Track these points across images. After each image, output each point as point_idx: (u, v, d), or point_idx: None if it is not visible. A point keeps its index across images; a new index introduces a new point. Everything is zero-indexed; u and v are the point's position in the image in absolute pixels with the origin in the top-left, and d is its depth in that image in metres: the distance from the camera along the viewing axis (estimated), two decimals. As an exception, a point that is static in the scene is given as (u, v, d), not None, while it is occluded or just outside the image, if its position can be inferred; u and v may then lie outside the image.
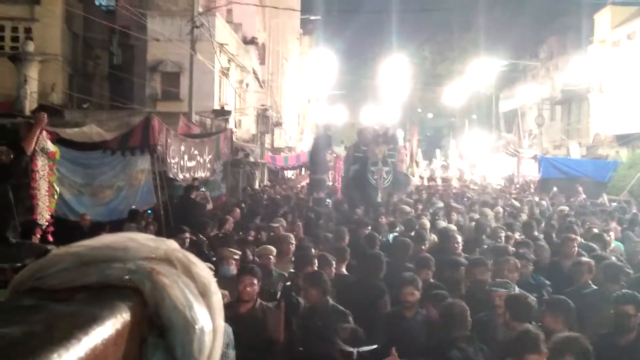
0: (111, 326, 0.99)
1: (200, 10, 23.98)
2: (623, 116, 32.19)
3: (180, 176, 14.36)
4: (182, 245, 8.96)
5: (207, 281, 1.22)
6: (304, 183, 29.15)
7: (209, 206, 15.41)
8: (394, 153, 20.32)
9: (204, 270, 1.24)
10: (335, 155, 27.08)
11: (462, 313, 5.53)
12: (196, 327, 1.13)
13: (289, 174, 39.09)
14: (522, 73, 53.35)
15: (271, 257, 8.18)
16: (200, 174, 15.57)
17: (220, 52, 28.25)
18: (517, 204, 18.32)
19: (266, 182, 33.33)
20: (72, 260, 1.15)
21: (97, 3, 35.51)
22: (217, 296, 1.24)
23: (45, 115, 9.20)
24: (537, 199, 19.71)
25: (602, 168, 25.48)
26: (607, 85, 35.67)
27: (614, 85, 34.52)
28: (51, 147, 9.44)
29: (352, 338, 5.28)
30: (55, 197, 9.86)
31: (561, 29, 46.89)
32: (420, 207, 16.56)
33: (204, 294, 1.20)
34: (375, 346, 5.08)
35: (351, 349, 4.98)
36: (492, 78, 52.92)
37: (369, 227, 11.33)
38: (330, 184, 24.90)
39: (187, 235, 9.90)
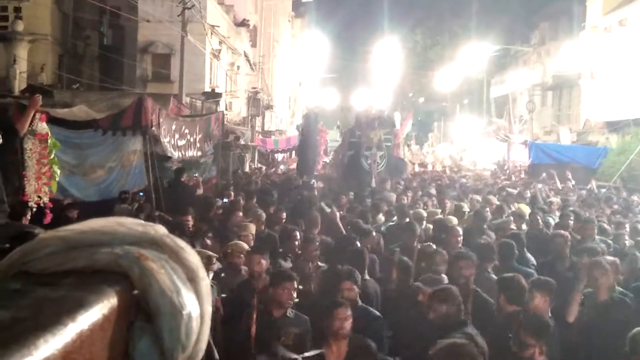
0: (98, 311, 0.99)
1: (192, -9, 23.84)
2: (613, 103, 32.25)
3: (176, 154, 14.35)
4: (185, 227, 9.00)
5: (195, 266, 1.22)
6: (293, 166, 29.19)
7: (199, 191, 15.42)
8: (390, 137, 20.18)
9: (192, 255, 1.23)
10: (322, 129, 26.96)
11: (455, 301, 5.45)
12: (183, 312, 1.12)
13: (279, 157, 39.07)
14: (514, 58, 53.31)
15: (242, 255, 7.38)
16: (190, 153, 15.52)
17: (211, 33, 28.13)
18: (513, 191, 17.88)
19: (257, 165, 33.30)
20: (60, 245, 1.15)
21: (87, -17, 35.25)
22: (205, 282, 1.23)
23: (40, 97, 9.16)
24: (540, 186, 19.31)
25: (592, 154, 25.57)
26: (598, 71, 35.68)
27: (605, 72, 34.54)
28: (43, 129, 9.40)
29: (298, 344, 5.25)
30: (57, 178, 9.84)
31: (553, 14, 46.82)
32: (410, 194, 15.62)
33: (192, 279, 1.20)
34: (320, 351, 4.91)
35: (295, 356, 4.87)
36: (484, 63, 52.91)
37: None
38: (320, 166, 24.82)
39: (190, 217, 9.83)
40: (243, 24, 38.73)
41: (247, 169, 28.88)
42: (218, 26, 29.87)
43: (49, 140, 9.54)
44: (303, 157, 21.28)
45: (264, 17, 47.86)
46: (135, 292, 1.12)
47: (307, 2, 59.33)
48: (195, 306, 1.17)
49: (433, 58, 67.42)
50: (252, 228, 8.76)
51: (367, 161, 19.11)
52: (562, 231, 9.17)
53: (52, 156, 9.65)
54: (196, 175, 17.56)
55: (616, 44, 33.26)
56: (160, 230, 1.24)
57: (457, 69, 56.43)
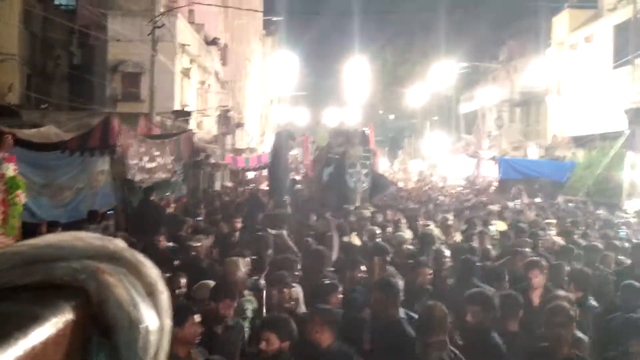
0: (53, 326, 0.98)
1: (162, 10, 23.82)
2: (580, 118, 32.72)
3: (139, 177, 14.25)
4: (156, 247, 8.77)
5: (154, 280, 1.21)
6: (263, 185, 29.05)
7: (170, 210, 15.34)
8: (369, 155, 20.01)
9: (151, 269, 1.22)
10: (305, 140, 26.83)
11: (442, 317, 5.48)
12: (141, 326, 1.11)
13: (250, 175, 38.95)
14: (482, 75, 53.89)
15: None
16: (161, 175, 15.45)
17: (181, 52, 28.08)
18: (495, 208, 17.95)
19: (227, 183, 33.20)
20: (17, 259, 1.13)
21: (56, 2, 34.99)
22: (164, 295, 1.22)
23: (10, 139, 9.07)
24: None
25: (559, 169, 25.88)
26: (565, 87, 36.19)
27: (572, 88, 35.05)
28: (7, 168, 9.31)
29: None
30: (12, 222, 9.74)
31: (520, 31, 47.46)
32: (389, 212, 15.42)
33: (151, 293, 1.19)
34: None
35: None
36: (453, 80, 53.42)
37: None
38: (295, 184, 24.52)
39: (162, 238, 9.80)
40: (214, 42, 38.71)
41: (218, 187, 28.78)
42: (188, 45, 29.85)
43: (11, 181, 9.44)
44: (275, 176, 21.05)
45: (234, 36, 47.88)
46: (93, 306, 1.11)
47: (278, 21, 59.56)
48: (154, 320, 1.16)
49: (403, 75, 67.90)
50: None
51: (352, 178, 18.86)
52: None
53: (12, 196, 9.54)
54: (168, 194, 17.49)
55: (582, 60, 33.78)
56: (119, 244, 1.23)
57: (427, 86, 56.89)
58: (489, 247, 10.77)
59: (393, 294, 6.14)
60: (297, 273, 7.84)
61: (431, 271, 7.85)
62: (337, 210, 15.64)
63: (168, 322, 1.21)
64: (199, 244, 9.51)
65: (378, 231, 11.46)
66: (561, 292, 6.68)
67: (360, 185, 18.88)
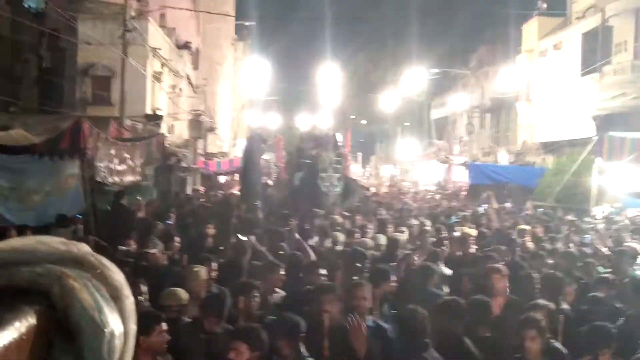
0: (15, 330, 0.97)
1: (133, 14, 23.70)
2: (549, 124, 33.10)
3: (110, 180, 14.16)
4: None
5: (119, 284, 1.20)
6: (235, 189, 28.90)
7: (141, 214, 15.23)
8: (340, 159, 19.90)
9: (116, 273, 1.21)
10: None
11: (422, 321, 5.53)
12: (105, 330, 1.10)
13: (222, 179, 38.81)
14: (453, 81, 54.31)
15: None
16: (131, 178, 15.35)
17: (152, 56, 27.95)
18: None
19: (199, 187, 33.05)
20: (-21, 264, 1.12)
21: (25, 5, 34.65)
22: (129, 300, 1.22)
23: None
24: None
25: (528, 174, 26.10)
26: (534, 94, 36.60)
27: (541, 94, 35.45)
28: None
29: None
30: None
31: (491, 38, 47.92)
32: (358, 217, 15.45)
33: (116, 297, 1.18)
34: None
35: None
36: (424, 86, 53.72)
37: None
38: (267, 188, 24.35)
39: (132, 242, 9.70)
40: (185, 46, 38.58)
41: (189, 192, 28.64)
42: (160, 49, 29.71)
43: None
44: (247, 180, 20.82)
45: (206, 40, 47.76)
46: (57, 311, 1.09)
47: (250, 26, 59.39)
48: (119, 324, 1.15)
49: (375, 81, 68.11)
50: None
51: (325, 183, 18.73)
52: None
53: None
54: (139, 198, 17.37)
55: (551, 67, 34.20)
56: (83, 248, 1.22)
57: (399, 92, 57.13)
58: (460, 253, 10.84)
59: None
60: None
61: (395, 278, 7.80)
62: (306, 214, 15.54)
63: (133, 327, 1.20)
64: (154, 251, 9.37)
65: (342, 238, 11.53)
66: (541, 301, 6.69)
67: (333, 190, 18.79)
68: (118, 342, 1.14)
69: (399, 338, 5.71)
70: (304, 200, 17.86)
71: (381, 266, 8.14)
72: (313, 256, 9.48)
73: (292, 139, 32.67)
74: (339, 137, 22.86)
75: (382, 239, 11.46)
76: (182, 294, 6.69)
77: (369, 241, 11.35)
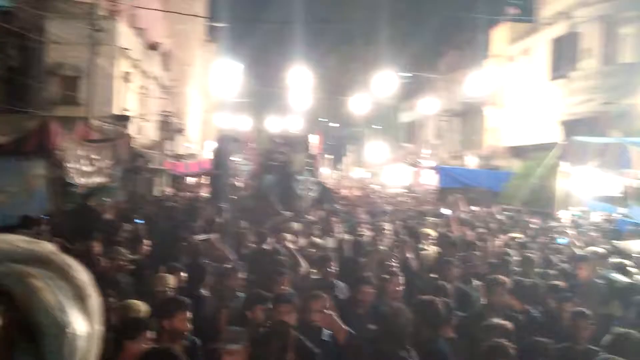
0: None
1: (102, 13, 23.51)
2: (516, 129, 33.45)
3: (78, 181, 14.04)
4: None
5: (83, 284, 1.20)
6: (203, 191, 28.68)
7: (107, 215, 15.10)
8: (311, 162, 19.79)
9: (80, 273, 1.21)
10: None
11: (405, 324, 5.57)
12: (67, 330, 1.11)
13: (191, 181, 38.55)
14: (422, 85, 54.52)
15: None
16: (97, 179, 15.22)
17: (121, 56, 27.74)
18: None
19: (167, 189, 32.84)
20: (-61, 264, 1.11)
21: (-8, 3, 34.20)
22: (94, 299, 1.21)
23: None
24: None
25: (495, 178, 26.28)
26: (503, 99, 36.92)
27: (509, 99, 35.80)
28: None
29: None
30: None
31: (460, 43, 48.18)
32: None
33: (80, 297, 1.18)
34: None
35: None
36: (394, 89, 53.87)
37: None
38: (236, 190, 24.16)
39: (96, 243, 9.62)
40: (155, 47, 38.28)
41: (157, 193, 28.45)
42: (129, 49, 29.47)
43: None
44: (216, 182, 20.61)
45: (177, 41, 47.42)
46: (19, 310, 1.09)
47: (221, 28, 59.08)
48: (82, 324, 1.15)
49: (345, 84, 68.15)
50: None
51: (300, 186, 18.60)
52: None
53: None
54: (105, 199, 17.22)
55: (519, 72, 34.55)
56: (47, 247, 1.21)
57: (369, 95, 57.23)
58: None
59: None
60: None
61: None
62: (265, 216, 15.38)
63: (98, 327, 1.20)
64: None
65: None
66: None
67: (309, 193, 18.69)
68: (81, 343, 1.14)
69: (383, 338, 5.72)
70: (274, 202, 17.73)
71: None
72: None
73: (262, 141, 32.57)
74: (312, 139, 22.77)
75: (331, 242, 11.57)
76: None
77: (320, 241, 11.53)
